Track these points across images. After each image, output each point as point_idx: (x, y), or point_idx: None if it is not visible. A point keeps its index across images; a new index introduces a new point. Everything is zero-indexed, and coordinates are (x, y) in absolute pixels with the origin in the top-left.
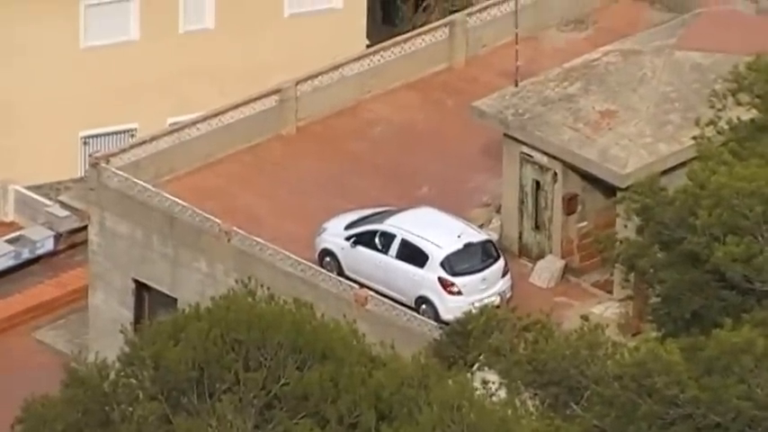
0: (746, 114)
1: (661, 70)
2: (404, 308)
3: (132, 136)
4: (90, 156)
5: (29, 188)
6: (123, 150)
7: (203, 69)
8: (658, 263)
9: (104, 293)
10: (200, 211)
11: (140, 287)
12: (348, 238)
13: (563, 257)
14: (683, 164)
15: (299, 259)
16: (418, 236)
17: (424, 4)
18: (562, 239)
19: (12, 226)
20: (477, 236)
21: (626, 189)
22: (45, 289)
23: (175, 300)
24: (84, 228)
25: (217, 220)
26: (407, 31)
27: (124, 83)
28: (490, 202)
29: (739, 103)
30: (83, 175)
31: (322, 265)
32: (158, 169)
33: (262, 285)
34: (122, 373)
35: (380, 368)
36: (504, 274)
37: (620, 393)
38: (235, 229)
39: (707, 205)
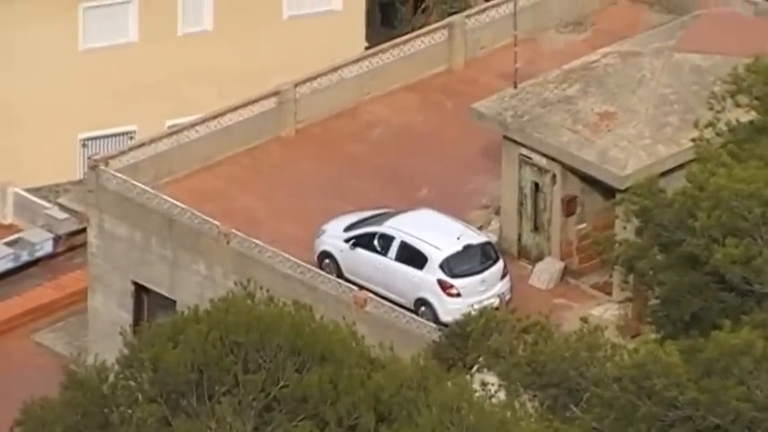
0: (745, 116)
1: (660, 72)
2: (403, 310)
3: (131, 138)
4: (89, 158)
5: (28, 190)
6: (122, 153)
7: (202, 71)
8: (657, 265)
9: (103, 296)
10: (199, 214)
11: (139, 289)
12: (347, 240)
13: (562, 259)
14: (681, 165)
15: (299, 261)
16: (417, 238)
17: (422, 6)
18: (561, 241)
19: (11, 228)
20: (476, 238)
21: (625, 191)
22: (44, 291)
23: (174, 302)
24: (84, 230)
25: (216, 223)
26: (406, 33)
27: (123, 85)
28: (489, 203)
29: (738, 105)
30: (82, 177)
31: (321, 268)
32: (157, 171)
33: (261, 287)
34: (121, 376)
35: (380, 370)
36: (503, 276)
37: (619, 395)
38: (234, 231)
39: (706, 207)
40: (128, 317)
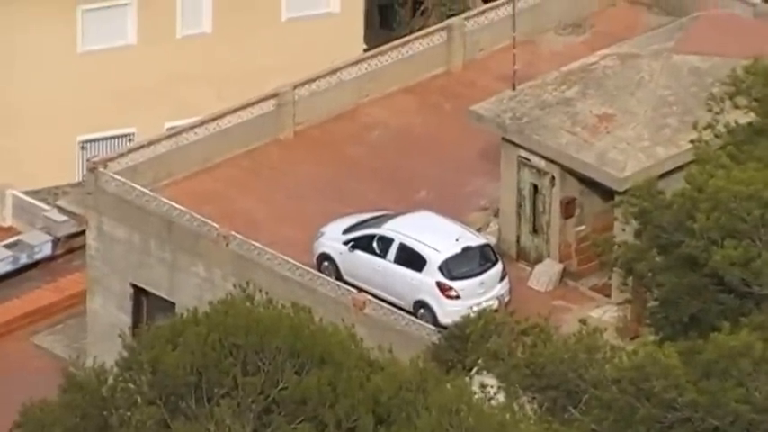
0: (744, 118)
1: (659, 74)
2: (402, 312)
3: (130, 140)
4: (88, 160)
5: (27, 193)
6: (121, 155)
7: (201, 74)
8: (656, 266)
9: (102, 298)
10: (198, 216)
11: (138, 292)
12: (346, 243)
13: (561, 261)
14: (680, 167)
15: (298, 264)
16: (416, 240)
17: (421, 9)
18: (560, 243)
19: (10, 231)
20: (475, 240)
21: (624, 193)
22: (43, 294)
23: (173, 304)
24: (82, 232)
25: (215, 225)
26: (405, 36)
27: (122, 87)
28: (488, 205)
29: (737, 107)
30: (80, 179)
31: (320, 270)
32: (156, 174)
33: (260, 290)
34: (120, 378)
35: (379, 372)
36: (502, 278)
37: (618, 397)
38: (233, 233)
39: (705, 209)
40: (127, 319)
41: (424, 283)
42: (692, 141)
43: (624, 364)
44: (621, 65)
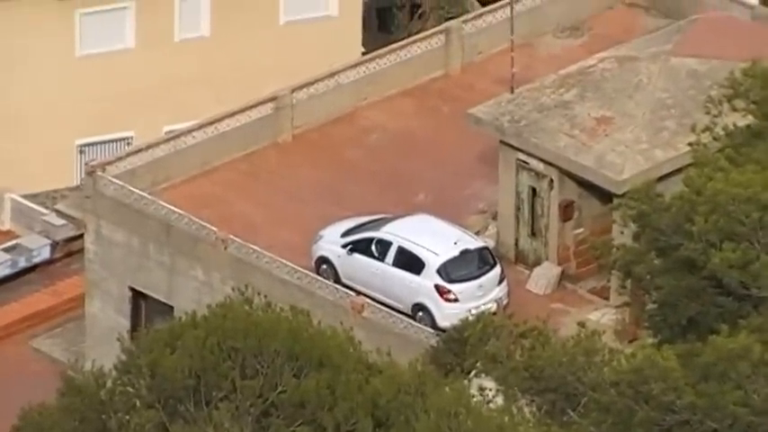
0: (742, 120)
1: (657, 76)
2: (400, 315)
3: (128, 144)
4: (86, 164)
5: (25, 197)
6: (119, 158)
7: (199, 77)
8: (655, 269)
9: (101, 302)
10: (197, 219)
11: (137, 295)
12: (345, 246)
13: (559, 264)
14: (679, 170)
15: (296, 267)
16: (415, 243)
17: (419, 12)
18: (558, 246)
19: (8, 235)
20: (473, 243)
21: (622, 195)
22: (41, 297)
23: (172, 308)
24: (81, 236)
25: (213, 228)
26: (403, 39)
27: (120, 91)
28: (486, 209)
29: (735, 110)
30: (79, 183)
31: (319, 273)
32: (154, 177)
33: (258, 293)
34: (119, 382)
35: (377, 375)
36: (500, 281)
37: (616, 400)
38: (231, 236)
39: (703, 211)
40: (125, 323)
41: (423, 286)
42: (690, 144)
43: (623, 366)
44: (619, 68)
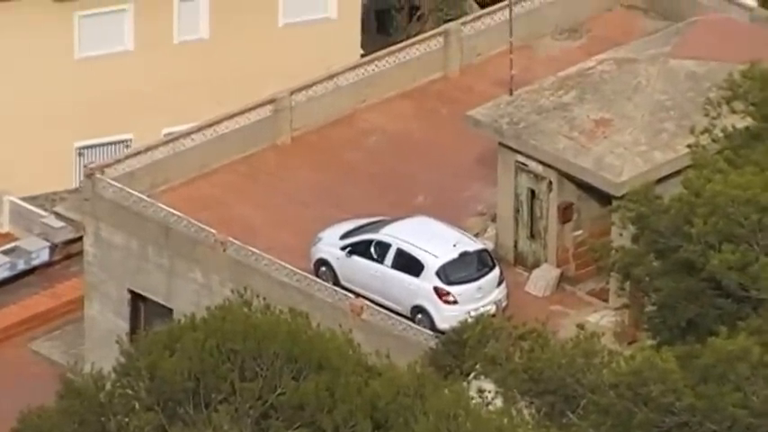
0: (741, 122)
1: (656, 78)
2: (399, 317)
3: (127, 146)
4: (85, 166)
5: (24, 199)
6: (118, 161)
7: (198, 79)
8: (654, 271)
9: (100, 304)
10: (196, 222)
11: (136, 298)
12: (343, 248)
13: (558, 266)
14: (678, 172)
15: (295, 269)
16: (414, 245)
17: (418, 14)
18: (557, 248)
19: (7, 237)
20: (472, 245)
21: (621, 197)
22: (40, 300)
23: (171, 310)
24: (80, 238)
25: (212, 231)
26: (402, 41)
27: (119, 93)
28: (485, 211)
29: (734, 111)
30: (78, 185)
31: (317, 275)
32: (153, 180)
33: (257, 295)
34: (118, 384)
35: (376, 378)
36: (499, 283)
37: (615, 402)
38: (230, 239)
39: (702, 213)
40: (124, 325)
41: (422, 289)
42: (689, 146)
43: (622, 368)
44: (618, 69)
